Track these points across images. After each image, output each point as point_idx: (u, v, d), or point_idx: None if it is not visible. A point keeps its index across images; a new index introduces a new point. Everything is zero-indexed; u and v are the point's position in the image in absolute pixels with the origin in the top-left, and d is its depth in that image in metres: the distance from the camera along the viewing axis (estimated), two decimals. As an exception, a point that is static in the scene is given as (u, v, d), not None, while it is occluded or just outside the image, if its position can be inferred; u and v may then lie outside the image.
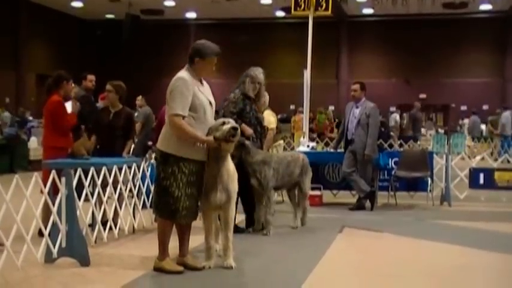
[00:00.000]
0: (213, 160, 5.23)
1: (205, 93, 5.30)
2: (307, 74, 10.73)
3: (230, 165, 5.37)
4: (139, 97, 12.47)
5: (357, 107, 9.21)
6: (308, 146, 10.30)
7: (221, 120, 5.29)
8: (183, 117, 5.06)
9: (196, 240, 5.88)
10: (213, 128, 5.18)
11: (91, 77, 8.58)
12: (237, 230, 6.62)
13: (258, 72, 7.12)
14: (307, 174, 7.47)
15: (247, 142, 6.76)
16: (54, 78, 7.06)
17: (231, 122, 5.23)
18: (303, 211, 7.53)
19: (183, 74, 5.22)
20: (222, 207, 5.33)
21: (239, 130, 5.24)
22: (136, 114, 11.00)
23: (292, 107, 20.57)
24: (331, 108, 27.25)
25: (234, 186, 5.37)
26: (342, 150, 9.40)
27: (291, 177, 7.24)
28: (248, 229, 7.04)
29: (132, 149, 8.01)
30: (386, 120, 21.47)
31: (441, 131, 25.01)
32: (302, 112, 13.29)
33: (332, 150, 9.96)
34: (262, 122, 7.29)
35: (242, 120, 6.86)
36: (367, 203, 9.10)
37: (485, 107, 27.93)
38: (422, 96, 30.87)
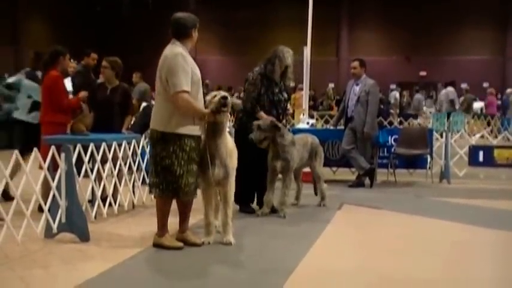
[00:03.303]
0: (211, 136, 5.24)
1: (198, 69, 5.27)
2: (307, 51, 10.66)
3: (228, 141, 5.39)
4: (135, 74, 12.36)
5: (357, 85, 9.17)
6: (308, 123, 10.28)
7: (214, 93, 5.32)
8: (188, 92, 5.06)
9: (195, 216, 5.90)
10: (207, 102, 5.21)
11: (94, 56, 8.59)
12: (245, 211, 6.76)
13: (289, 55, 6.85)
14: (317, 157, 7.35)
15: (280, 124, 6.63)
16: (50, 54, 6.94)
17: (221, 93, 5.25)
18: (321, 193, 7.45)
19: (179, 49, 5.15)
20: (221, 183, 5.35)
21: (229, 99, 5.21)
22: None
23: (291, 84, 20.55)
24: (331, 85, 27.17)
25: (233, 163, 5.39)
26: (342, 127, 9.39)
27: (302, 161, 7.18)
28: (257, 212, 6.89)
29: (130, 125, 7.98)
30: (386, 97, 21.41)
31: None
32: (302, 89, 13.24)
33: (332, 127, 9.95)
34: (283, 103, 7.04)
35: (257, 102, 6.79)
36: (367, 180, 9.11)
37: (485, 85, 27.85)
38: (423, 73, 30.83)
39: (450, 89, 20.77)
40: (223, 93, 5.29)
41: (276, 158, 6.70)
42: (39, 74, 7.70)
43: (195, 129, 5.17)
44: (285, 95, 7.08)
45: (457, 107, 20.34)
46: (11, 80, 7.61)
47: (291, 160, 6.73)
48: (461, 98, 20.93)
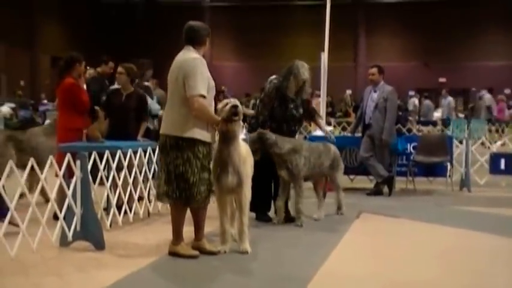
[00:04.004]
0: (223, 143, 5.20)
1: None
2: (324, 57, 10.59)
3: (242, 149, 5.35)
4: (151, 80, 12.36)
5: (375, 91, 9.07)
6: (325, 130, 10.15)
7: (225, 101, 5.28)
8: (204, 97, 5.03)
9: (211, 224, 5.84)
10: (219, 111, 5.17)
11: (112, 64, 8.62)
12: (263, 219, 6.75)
13: (305, 69, 6.78)
14: (338, 168, 7.20)
15: (268, 134, 6.49)
16: (65, 61, 6.97)
17: (231, 101, 5.21)
18: (338, 203, 7.35)
19: (196, 54, 5.17)
20: (235, 191, 5.30)
21: (240, 108, 5.18)
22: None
23: (309, 90, 20.45)
24: (349, 92, 27.05)
25: (246, 170, 5.33)
26: (360, 134, 9.30)
27: (320, 168, 6.98)
28: (274, 220, 6.82)
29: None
30: (404, 104, 21.24)
31: (461, 115, 24.62)
32: (319, 96, 13.15)
33: (349, 134, 9.86)
34: (297, 119, 6.92)
35: (271, 114, 6.72)
36: (385, 188, 8.99)
37: (507, 91, 27.54)
38: (442, 80, 30.56)
39: (488, 95, 20.60)
40: (234, 101, 5.25)
41: (280, 168, 6.63)
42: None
43: (207, 136, 5.14)
44: (301, 111, 6.92)
45: (494, 113, 20.18)
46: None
47: (293, 168, 6.57)
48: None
